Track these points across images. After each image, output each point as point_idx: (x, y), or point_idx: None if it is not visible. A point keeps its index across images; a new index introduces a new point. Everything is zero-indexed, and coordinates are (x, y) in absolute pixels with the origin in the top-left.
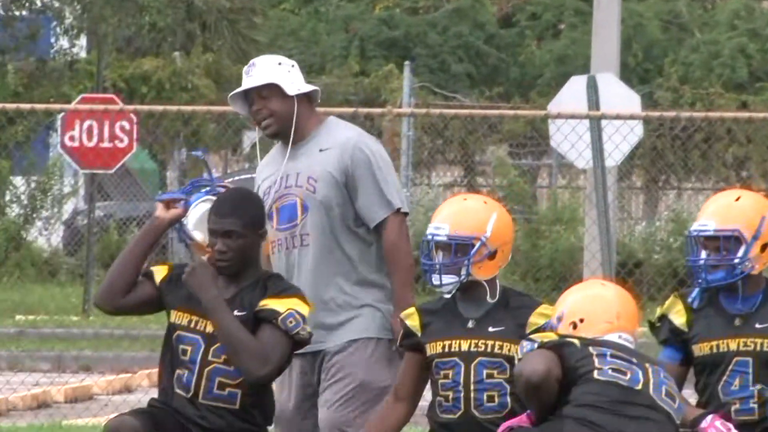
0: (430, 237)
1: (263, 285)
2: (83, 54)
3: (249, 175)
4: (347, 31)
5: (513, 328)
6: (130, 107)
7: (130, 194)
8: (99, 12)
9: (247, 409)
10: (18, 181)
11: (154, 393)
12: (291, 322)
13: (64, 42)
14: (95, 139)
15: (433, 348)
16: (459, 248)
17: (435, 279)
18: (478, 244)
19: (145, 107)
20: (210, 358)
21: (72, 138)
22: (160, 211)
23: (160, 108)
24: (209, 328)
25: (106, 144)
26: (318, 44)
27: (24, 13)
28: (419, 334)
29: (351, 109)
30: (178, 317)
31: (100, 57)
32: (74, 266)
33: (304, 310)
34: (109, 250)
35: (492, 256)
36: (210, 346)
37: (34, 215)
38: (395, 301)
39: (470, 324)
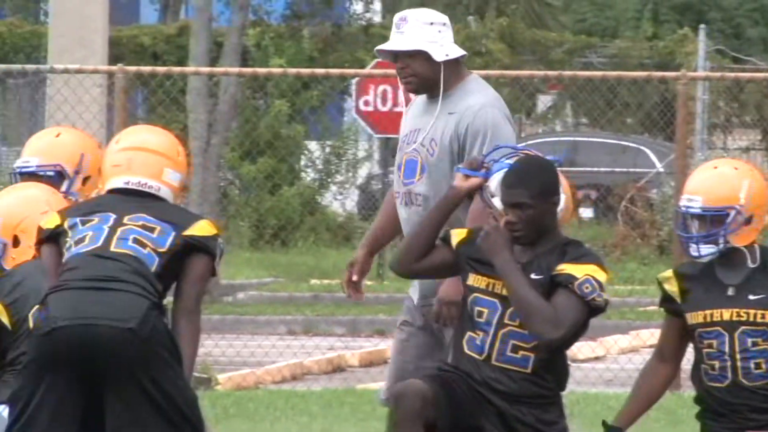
0: (684, 209)
1: (562, 250)
2: (378, 18)
3: (543, 139)
4: None
5: None
6: None
7: None
8: None
9: (540, 373)
10: (313, 145)
11: None
12: (587, 288)
13: (358, 6)
14: (389, 103)
15: (694, 318)
16: (714, 219)
17: (693, 250)
18: (732, 213)
19: None
20: (506, 320)
21: (366, 103)
22: (458, 180)
23: None
24: (506, 292)
25: (400, 109)
26: (612, 8)
27: None
28: (679, 301)
29: (644, 73)
30: (475, 280)
31: None
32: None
33: (602, 277)
34: None
35: (748, 221)
36: (506, 309)
37: (329, 180)
38: None
39: (730, 291)
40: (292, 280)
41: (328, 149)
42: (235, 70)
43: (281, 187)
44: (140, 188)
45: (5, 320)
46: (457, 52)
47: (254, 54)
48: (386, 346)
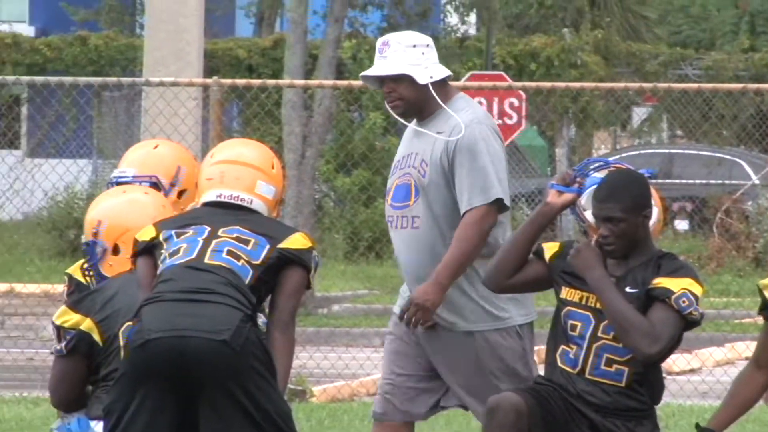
0: None
1: (656, 263)
2: (473, 31)
3: (638, 152)
4: (737, 7)
5: None
6: (518, 84)
7: (519, 171)
8: None
9: (634, 387)
10: None
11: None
12: (684, 302)
13: (453, 19)
14: None
15: None
16: None
17: None
18: None
19: (533, 84)
20: (599, 334)
21: None
22: (552, 197)
23: (547, 85)
24: (600, 306)
25: (495, 121)
26: (708, 20)
27: None
28: None
29: (740, 86)
30: (569, 294)
31: (489, 34)
32: None
33: (698, 290)
34: None
35: None
36: (600, 322)
37: None
38: (434, 273)
39: None
40: (387, 292)
41: None
42: (330, 82)
43: (376, 200)
44: (233, 201)
45: (96, 337)
46: (442, 72)
47: (349, 66)
48: None
